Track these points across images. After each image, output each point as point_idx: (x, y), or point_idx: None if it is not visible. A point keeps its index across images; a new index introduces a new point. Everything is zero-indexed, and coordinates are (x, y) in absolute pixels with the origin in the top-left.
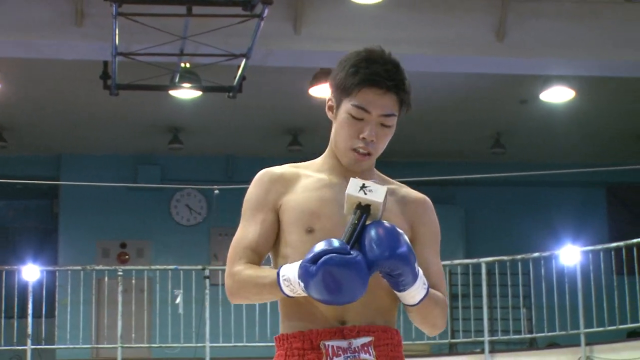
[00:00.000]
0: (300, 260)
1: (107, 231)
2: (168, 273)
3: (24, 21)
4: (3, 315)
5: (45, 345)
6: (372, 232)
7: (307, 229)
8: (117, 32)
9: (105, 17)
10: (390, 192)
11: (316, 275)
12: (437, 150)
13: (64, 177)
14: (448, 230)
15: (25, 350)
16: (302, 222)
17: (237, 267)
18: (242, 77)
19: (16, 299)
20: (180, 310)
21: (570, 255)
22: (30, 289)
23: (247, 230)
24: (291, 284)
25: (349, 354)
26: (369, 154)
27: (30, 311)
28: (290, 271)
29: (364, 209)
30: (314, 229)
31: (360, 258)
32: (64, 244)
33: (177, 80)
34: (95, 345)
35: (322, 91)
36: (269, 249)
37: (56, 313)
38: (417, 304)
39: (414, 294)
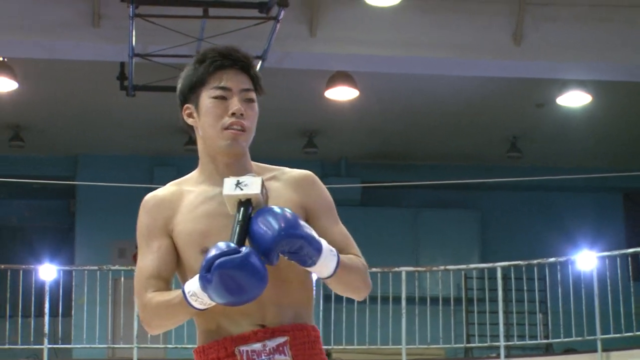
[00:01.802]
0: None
1: (123, 231)
2: None
3: (42, 22)
4: (20, 314)
5: (61, 344)
6: (259, 221)
7: (201, 250)
8: (133, 33)
9: (122, 18)
10: (274, 178)
11: (213, 282)
12: (453, 154)
13: (80, 177)
14: (464, 234)
15: (42, 350)
16: (195, 244)
17: (146, 298)
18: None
19: (33, 298)
20: None
21: (586, 260)
22: (47, 288)
23: (146, 260)
24: (198, 296)
25: (263, 357)
26: (242, 130)
27: (47, 310)
28: (193, 285)
29: (245, 205)
30: (208, 247)
31: (251, 253)
32: (81, 243)
33: None
34: (112, 345)
35: (338, 93)
36: (172, 273)
37: (73, 312)
38: (333, 273)
39: (326, 263)
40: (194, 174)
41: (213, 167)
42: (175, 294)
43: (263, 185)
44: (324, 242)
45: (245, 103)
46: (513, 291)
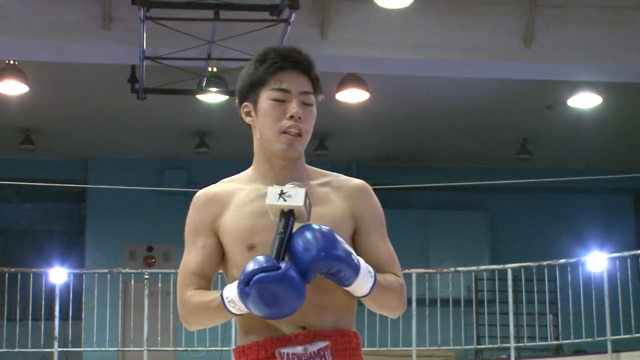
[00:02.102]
0: (238, 281)
1: (133, 234)
2: None
3: (53, 25)
4: (30, 317)
5: (72, 347)
6: (300, 238)
7: (248, 246)
8: (144, 36)
9: (133, 21)
10: (328, 184)
11: (250, 296)
12: (463, 156)
13: (91, 181)
14: (474, 236)
15: (52, 353)
16: (242, 240)
17: (186, 295)
18: None
19: (43, 301)
20: None
21: (597, 261)
22: (57, 291)
23: (191, 257)
24: (236, 303)
25: None
26: (299, 135)
27: (57, 313)
28: (232, 291)
29: (287, 216)
30: (255, 244)
31: (290, 270)
32: (91, 247)
33: (204, 84)
34: (122, 348)
35: (348, 95)
36: (215, 271)
37: (83, 315)
38: (368, 293)
39: (362, 285)
40: (248, 171)
41: (268, 167)
42: (214, 296)
43: (307, 196)
44: (362, 263)
45: (303, 106)
46: (523, 292)
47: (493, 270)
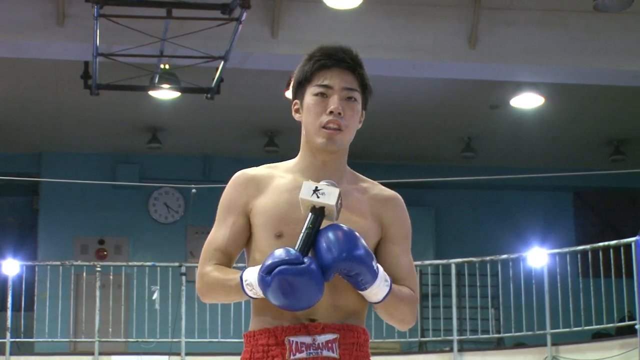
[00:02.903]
0: (259, 266)
1: (86, 228)
2: (145, 269)
3: (7, 22)
4: None
5: (24, 338)
6: (326, 236)
7: (276, 234)
8: (98, 33)
9: (86, 18)
10: (363, 189)
11: (271, 285)
12: (409, 153)
13: (44, 175)
14: (419, 232)
15: (4, 343)
16: (271, 227)
17: (206, 269)
18: (220, 79)
19: None
20: (157, 306)
21: (537, 257)
22: (10, 283)
23: (218, 233)
24: (254, 287)
25: (311, 350)
26: (339, 129)
27: (9, 305)
28: (252, 276)
29: (317, 212)
30: (283, 233)
31: (313, 266)
32: (44, 239)
33: (156, 81)
34: (73, 339)
35: None
36: (239, 251)
37: (35, 307)
38: (381, 301)
39: (376, 291)
40: (291, 161)
41: (311, 161)
42: (233, 275)
43: (340, 197)
44: (380, 270)
45: (345, 102)
46: (466, 287)
47: (437, 265)
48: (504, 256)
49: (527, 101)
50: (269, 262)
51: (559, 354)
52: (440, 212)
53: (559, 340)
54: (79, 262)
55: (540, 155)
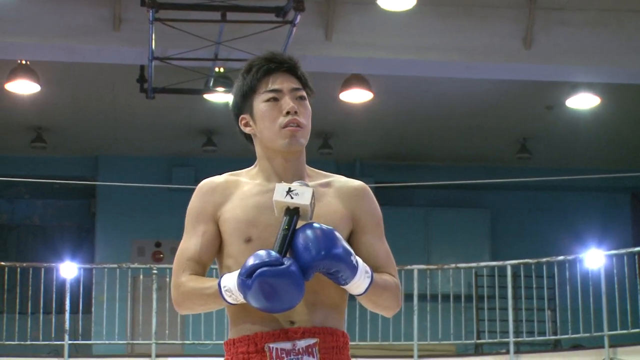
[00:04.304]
0: (237, 271)
1: (142, 231)
2: None
3: (64, 26)
4: (42, 311)
5: (82, 340)
6: (302, 236)
7: (245, 239)
8: (153, 37)
9: (142, 22)
10: (327, 185)
11: (252, 288)
12: (464, 155)
13: (101, 178)
14: (474, 233)
15: (62, 345)
16: (240, 232)
17: (181, 279)
18: None
19: (54, 295)
20: None
21: (594, 258)
22: (67, 285)
23: (189, 242)
24: (233, 293)
25: (292, 356)
26: (299, 126)
27: (67, 307)
28: (230, 281)
29: (292, 213)
30: (252, 238)
31: (292, 267)
32: (101, 242)
33: (211, 84)
34: (130, 341)
35: (352, 96)
36: (211, 259)
37: (93, 309)
38: (364, 293)
39: (358, 284)
40: (251, 168)
41: (270, 166)
42: (210, 283)
43: (313, 196)
44: (360, 263)
45: (297, 101)
46: (522, 288)
47: (493, 267)
48: (561, 258)
49: (583, 102)
50: (249, 264)
51: (617, 355)
52: (496, 213)
53: (617, 342)
54: (135, 265)
55: (596, 156)
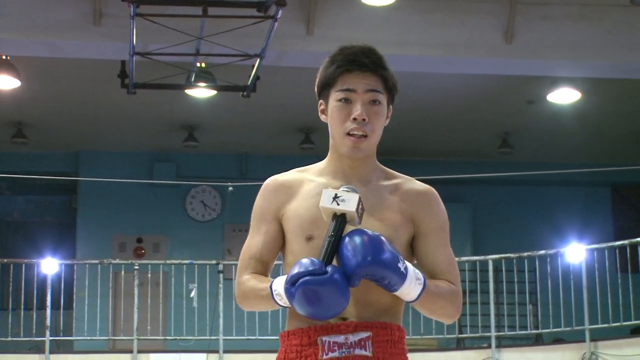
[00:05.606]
0: (286, 276)
1: (123, 226)
2: (183, 267)
3: (44, 21)
4: (22, 307)
5: (63, 336)
6: (349, 242)
7: (306, 237)
8: (134, 32)
9: (123, 17)
10: (395, 186)
11: (295, 297)
12: (446, 150)
13: (82, 173)
14: (456, 228)
15: (44, 342)
16: (302, 231)
17: (242, 277)
18: (256, 77)
19: (35, 291)
20: (195, 304)
21: (575, 253)
22: (49, 281)
23: (252, 241)
24: (282, 297)
25: (344, 349)
26: (364, 136)
27: (49, 303)
28: (279, 286)
29: (339, 219)
30: (313, 236)
31: (336, 275)
32: (82, 238)
33: (192, 79)
34: (112, 337)
35: None
36: (274, 257)
37: (74, 305)
38: (415, 300)
39: (408, 291)
40: (320, 164)
41: (339, 164)
42: (265, 285)
43: (360, 201)
44: (410, 270)
45: (369, 106)
46: (504, 283)
47: (474, 261)
48: (542, 252)
49: (564, 96)
50: (293, 272)
51: (598, 349)
52: (478, 208)
53: (598, 336)
54: (117, 261)
55: (577, 151)
